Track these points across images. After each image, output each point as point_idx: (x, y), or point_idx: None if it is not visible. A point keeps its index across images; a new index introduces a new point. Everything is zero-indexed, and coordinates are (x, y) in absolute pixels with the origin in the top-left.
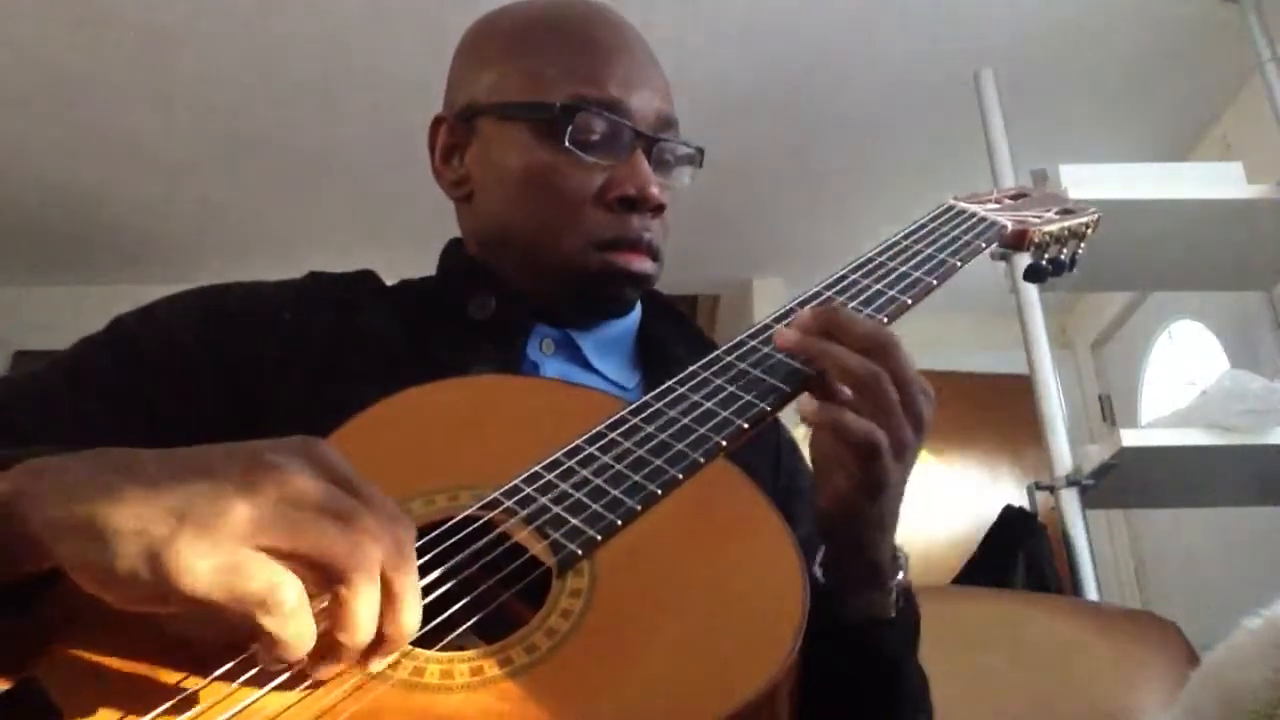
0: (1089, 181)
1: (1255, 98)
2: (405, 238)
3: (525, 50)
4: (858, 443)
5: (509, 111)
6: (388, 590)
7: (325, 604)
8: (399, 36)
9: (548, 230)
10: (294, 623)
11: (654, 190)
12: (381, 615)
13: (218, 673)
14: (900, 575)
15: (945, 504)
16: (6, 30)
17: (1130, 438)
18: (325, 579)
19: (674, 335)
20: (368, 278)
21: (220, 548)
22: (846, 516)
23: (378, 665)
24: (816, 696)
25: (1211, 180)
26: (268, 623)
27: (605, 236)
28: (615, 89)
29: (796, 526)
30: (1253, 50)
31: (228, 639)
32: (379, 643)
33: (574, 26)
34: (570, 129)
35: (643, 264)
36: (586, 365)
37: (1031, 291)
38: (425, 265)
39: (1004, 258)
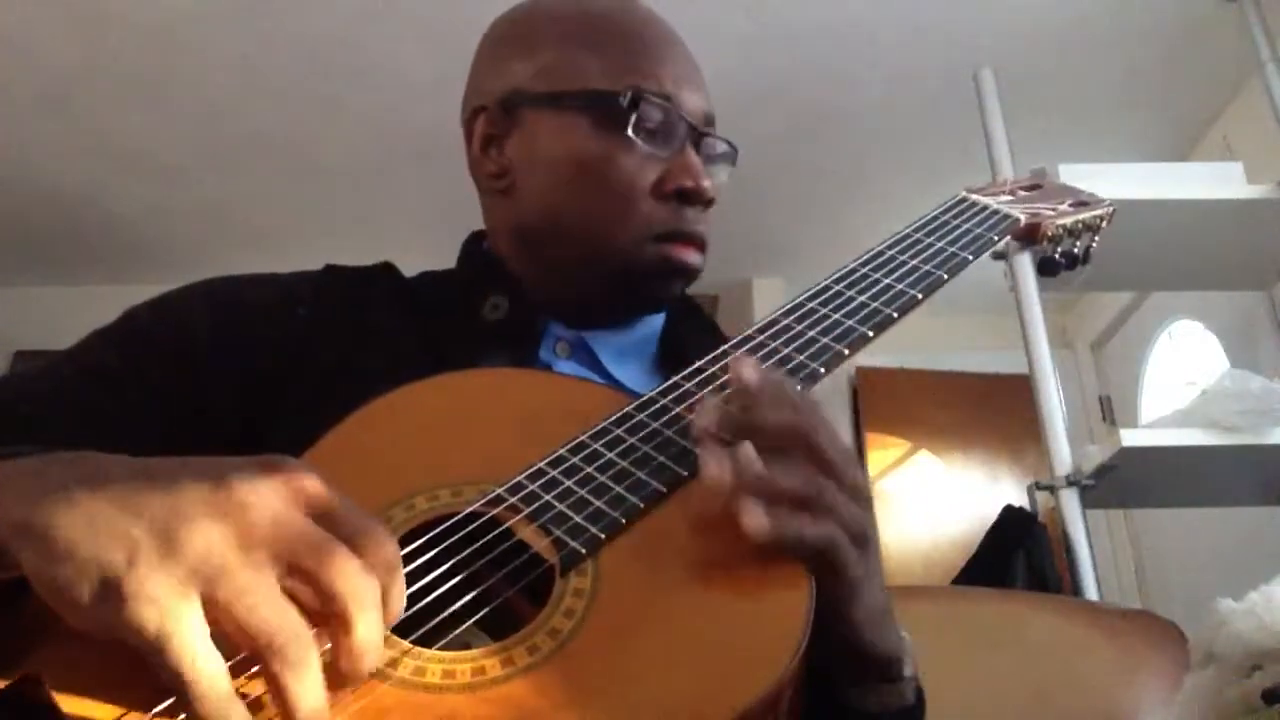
0: (1088, 181)
1: (1255, 98)
2: (405, 237)
3: (578, 40)
4: (813, 552)
5: (564, 101)
6: (346, 628)
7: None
8: (399, 36)
9: (603, 221)
10: (207, 705)
11: (708, 183)
12: (336, 651)
13: None
14: (908, 667)
15: (945, 504)
16: (5, 30)
17: (1130, 438)
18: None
19: (695, 335)
20: (385, 271)
21: (170, 595)
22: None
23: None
24: None
25: (1211, 180)
26: (184, 688)
27: (662, 229)
28: (670, 83)
29: None
30: (1253, 50)
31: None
32: (335, 679)
33: (624, 19)
34: (635, 118)
35: (694, 257)
36: (599, 368)
37: (1032, 291)
38: (426, 265)
39: (1002, 256)
